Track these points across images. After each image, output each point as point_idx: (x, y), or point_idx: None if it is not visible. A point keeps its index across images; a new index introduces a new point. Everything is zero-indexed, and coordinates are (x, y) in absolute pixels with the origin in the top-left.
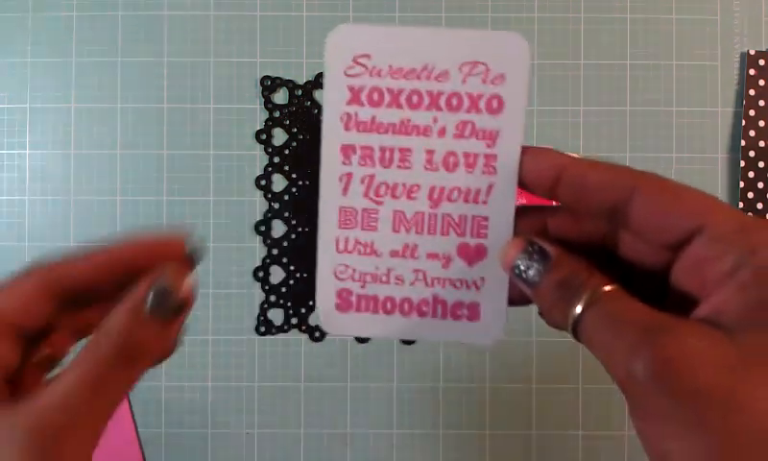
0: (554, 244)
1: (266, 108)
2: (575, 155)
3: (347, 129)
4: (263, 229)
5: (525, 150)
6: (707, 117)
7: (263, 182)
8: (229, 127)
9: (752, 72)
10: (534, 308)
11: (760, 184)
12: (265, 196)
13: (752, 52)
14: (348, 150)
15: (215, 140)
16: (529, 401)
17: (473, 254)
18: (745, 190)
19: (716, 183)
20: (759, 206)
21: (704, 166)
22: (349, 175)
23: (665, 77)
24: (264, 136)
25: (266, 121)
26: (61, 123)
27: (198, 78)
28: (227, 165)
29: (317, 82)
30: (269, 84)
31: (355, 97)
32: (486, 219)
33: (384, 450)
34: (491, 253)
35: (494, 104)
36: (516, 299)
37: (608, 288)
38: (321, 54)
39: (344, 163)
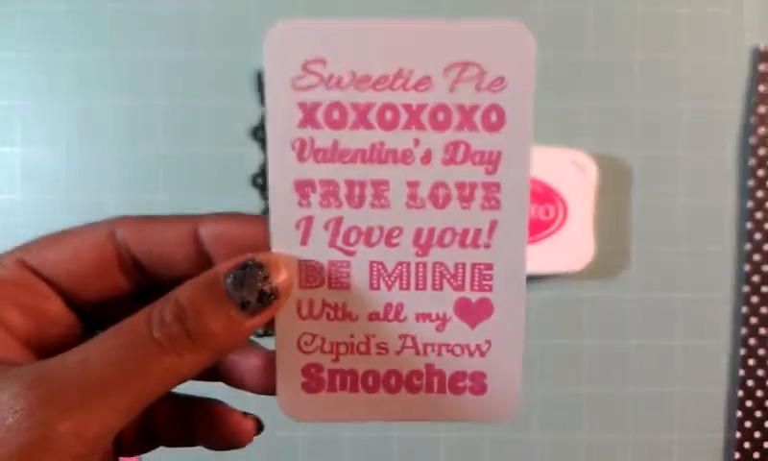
0: None
1: (262, 103)
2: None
3: (301, 159)
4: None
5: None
6: (715, 114)
7: (259, 181)
8: (225, 123)
9: (762, 67)
10: (533, 310)
11: None
12: (261, 194)
13: (762, 47)
14: (304, 187)
15: (210, 137)
16: (530, 403)
17: (476, 313)
18: (754, 189)
19: (724, 182)
20: None
21: (712, 164)
22: (309, 219)
23: (673, 72)
24: (260, 133)
25: (262, 117)
26: (54, 120)
27: (192, 73)
28: (222, 163)
29: None
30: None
31: (309, 117)
32: (490, 267)
33: (384, 451)
34: (498, 309)
35: (493, 117)
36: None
37: None
38: None
39: (301, 205)
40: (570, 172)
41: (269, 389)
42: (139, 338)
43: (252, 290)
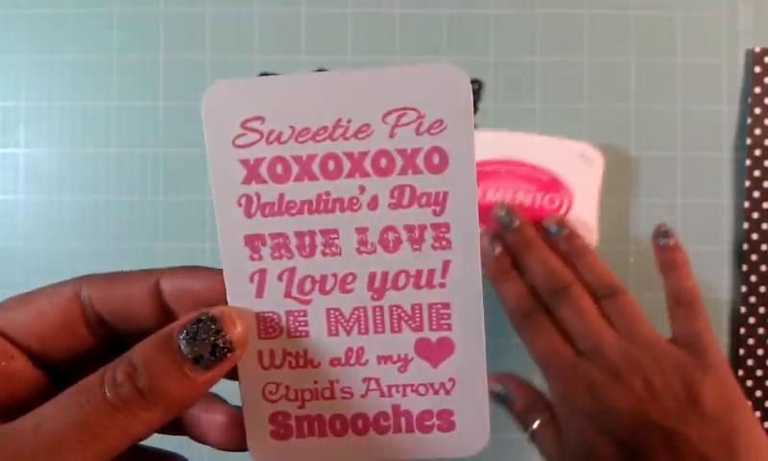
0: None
1: None
2: None
3: (248, 215)
4: None
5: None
6: (711, 115)
7: None
8: None
9: (757, 69)
10: None
11: (766, 183)
12: None
13: (757, 49)
14: (254, 241)
15: None
16: None
17: (437, 352)
18: (750, 189)
19: (721, 182)
20: (765, 205)
21: (708, 165)
22: (262, 272)
23: (668, 74)
24: None
25: None
26: (56, 121)
27: (194, 75)
28: None
29: None
30: None
31: (253, 173)
32: (447, 306)
33: None
34: (459, 347)
35: (436, 159)
36: None
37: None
38: (321, 50)
39: (252, 259)
40: (578, 163)
41: (232, 445)
42: (92, 398)
43: (206, 344)
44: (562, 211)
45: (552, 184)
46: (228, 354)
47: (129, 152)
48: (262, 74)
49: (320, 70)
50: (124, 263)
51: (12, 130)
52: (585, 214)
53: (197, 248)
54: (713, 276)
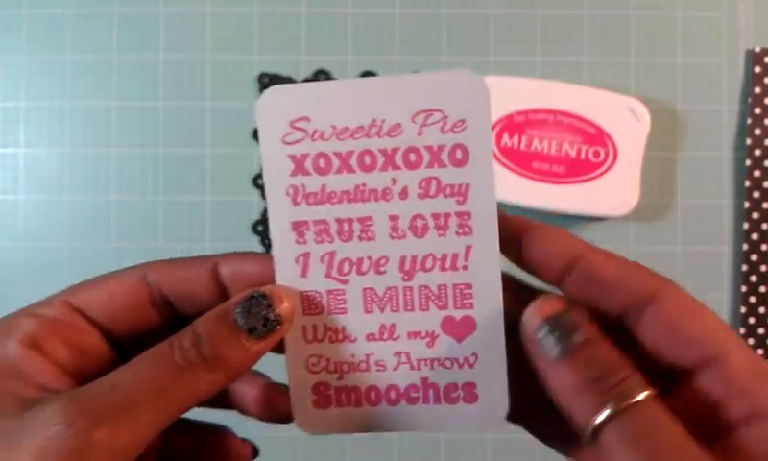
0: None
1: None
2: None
3: (295, 203)
4: (261, 228)
5: (534, 227)
6: (711, 115)
7: (261, 181)
8: (226, 125)
9: (757, 70)
10: None
11: (766, 183)
12: (263, 195)
13: (757, 49)
14: (300, 227)
15: (211, 139)
16: None
17: (461, 328)
18: (750, 189)
19: (721, 183)
20: (765, 205)
21: (708, 165)
22: (306, 254)
23: (669, 74)
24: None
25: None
26: (56, 121)
27: (194, 76)
28: (223, 164)
29: (315, 79)
30: (267, 82)
31: (299, 166)
32: (469, 286)
33: (384, 451)
34: (480, 324)
35: (458, 154)
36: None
37: (644, 395)
38: (321, 50)
39: (298, 243)
40: (626, 117)
41: (274, 417)
42: (163, 362)
43: (258, 317)
44: (606, 165)
45: (599, 137)
46: (278, 327)
47: (129, 152)
48: (262, 74)
49: (319, 71)
50: (124, 263)
51: (12, 130)
52: (628, 169)
53: (197, 248)
54: (713, 276)
